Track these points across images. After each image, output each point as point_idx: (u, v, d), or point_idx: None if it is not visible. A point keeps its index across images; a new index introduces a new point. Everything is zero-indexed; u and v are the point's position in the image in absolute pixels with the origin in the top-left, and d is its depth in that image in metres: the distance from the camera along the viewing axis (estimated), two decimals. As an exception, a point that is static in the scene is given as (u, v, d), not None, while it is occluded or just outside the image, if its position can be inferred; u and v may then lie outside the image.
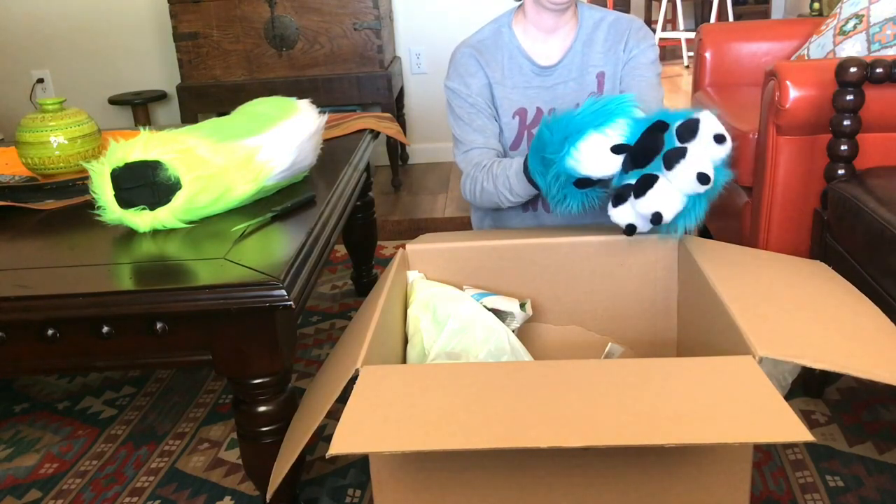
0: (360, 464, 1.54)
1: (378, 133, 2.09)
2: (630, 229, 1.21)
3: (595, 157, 1.15)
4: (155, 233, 1.35)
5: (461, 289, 1.36)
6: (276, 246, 1.29)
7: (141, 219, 1.34)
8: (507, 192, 1.42)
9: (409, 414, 0.88)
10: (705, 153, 1.12)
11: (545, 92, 1.52)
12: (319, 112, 1.62)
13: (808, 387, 1.65)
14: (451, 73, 1.54)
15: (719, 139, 1.13)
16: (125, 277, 1.22)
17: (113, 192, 1.33)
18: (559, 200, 1.24)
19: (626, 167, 1.16)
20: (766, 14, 5.08)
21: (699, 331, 1.25)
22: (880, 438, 1.52)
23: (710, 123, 1.13)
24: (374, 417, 0.88)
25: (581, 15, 1.51)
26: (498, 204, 1.47)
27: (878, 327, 1.09)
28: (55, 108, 1.66)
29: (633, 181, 1.16)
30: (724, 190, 1.19)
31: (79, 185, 1.62)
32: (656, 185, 1.14)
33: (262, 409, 1.22)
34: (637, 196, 1.15)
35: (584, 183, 1.20)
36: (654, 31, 4.87)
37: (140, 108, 3.48)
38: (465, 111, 1.51)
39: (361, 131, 2.02)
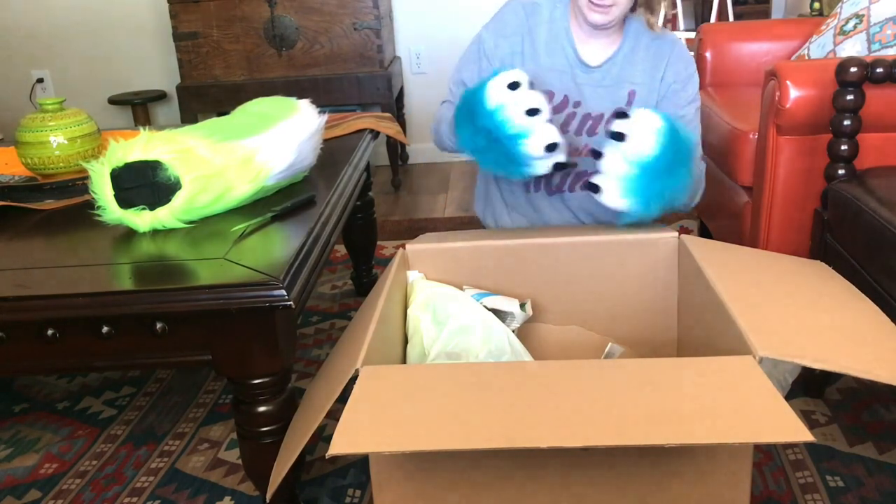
0: (360, 464, 1.54)
1: (378, 133, 2.09)
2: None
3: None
4: (155, 233, 1.35)
5: (461, 289, 1.36)
6: (276, 246, 1.29)
7: (141, 219, 1.34)
8: (444, 125, 1.47)
9: (409, 414, 0.88)
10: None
11: (577, 87, 1.49)
12: (319, 112, 1.62)
13: (808, 387, 1.65)
14: (491, 22, 1.52)
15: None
16: (125, 277, 1.22)
17: (113, 192, 1.33)
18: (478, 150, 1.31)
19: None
20: (766, 14, 5.07)
21: (699, 331, 1.25)
22: (880, 438, 1.52)
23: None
24: (374, 417, 0.88)
25: (627, 24, 1.48)
26: (443, 140, 1.51)
27: (878, 327, 1.09)
28: (55, 108, 1.66)
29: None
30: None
31: (78, 185, 1.62)
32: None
33: (261, 409, 1.22)
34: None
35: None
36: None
37: (140, 108, 3.48)
38: (474, 61, 1.52)
39: (361, 131, 2.02)
